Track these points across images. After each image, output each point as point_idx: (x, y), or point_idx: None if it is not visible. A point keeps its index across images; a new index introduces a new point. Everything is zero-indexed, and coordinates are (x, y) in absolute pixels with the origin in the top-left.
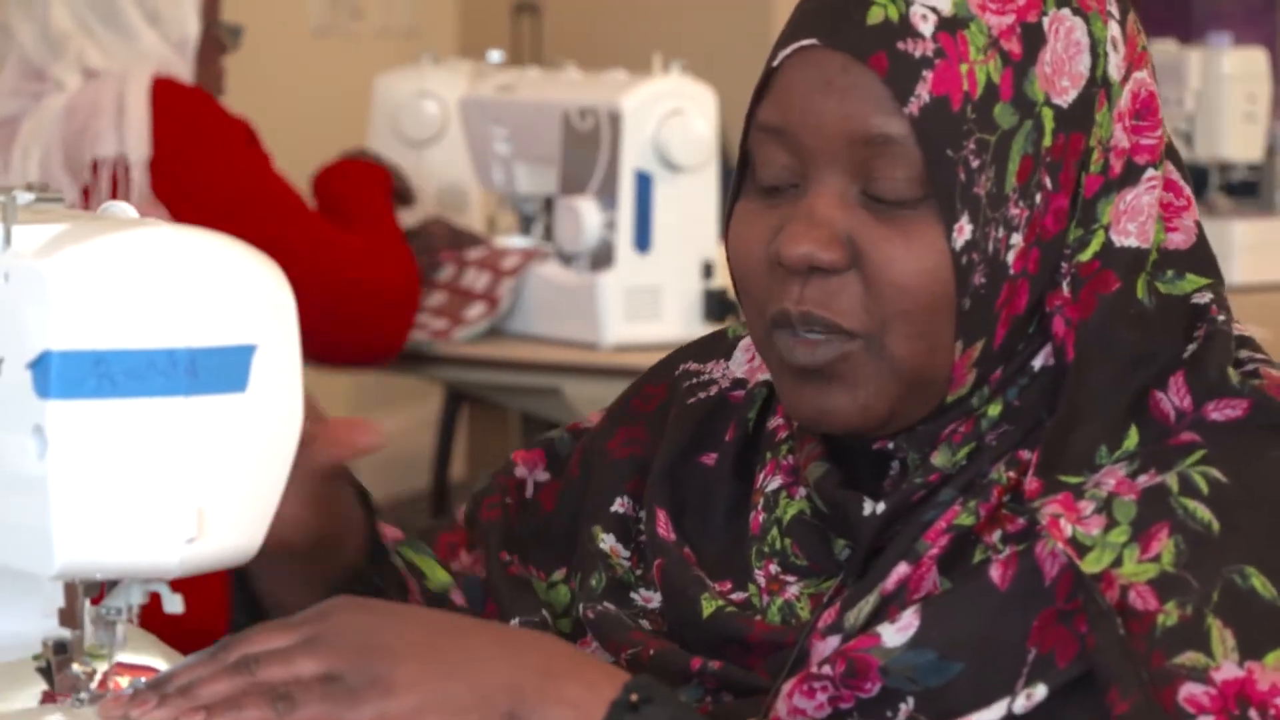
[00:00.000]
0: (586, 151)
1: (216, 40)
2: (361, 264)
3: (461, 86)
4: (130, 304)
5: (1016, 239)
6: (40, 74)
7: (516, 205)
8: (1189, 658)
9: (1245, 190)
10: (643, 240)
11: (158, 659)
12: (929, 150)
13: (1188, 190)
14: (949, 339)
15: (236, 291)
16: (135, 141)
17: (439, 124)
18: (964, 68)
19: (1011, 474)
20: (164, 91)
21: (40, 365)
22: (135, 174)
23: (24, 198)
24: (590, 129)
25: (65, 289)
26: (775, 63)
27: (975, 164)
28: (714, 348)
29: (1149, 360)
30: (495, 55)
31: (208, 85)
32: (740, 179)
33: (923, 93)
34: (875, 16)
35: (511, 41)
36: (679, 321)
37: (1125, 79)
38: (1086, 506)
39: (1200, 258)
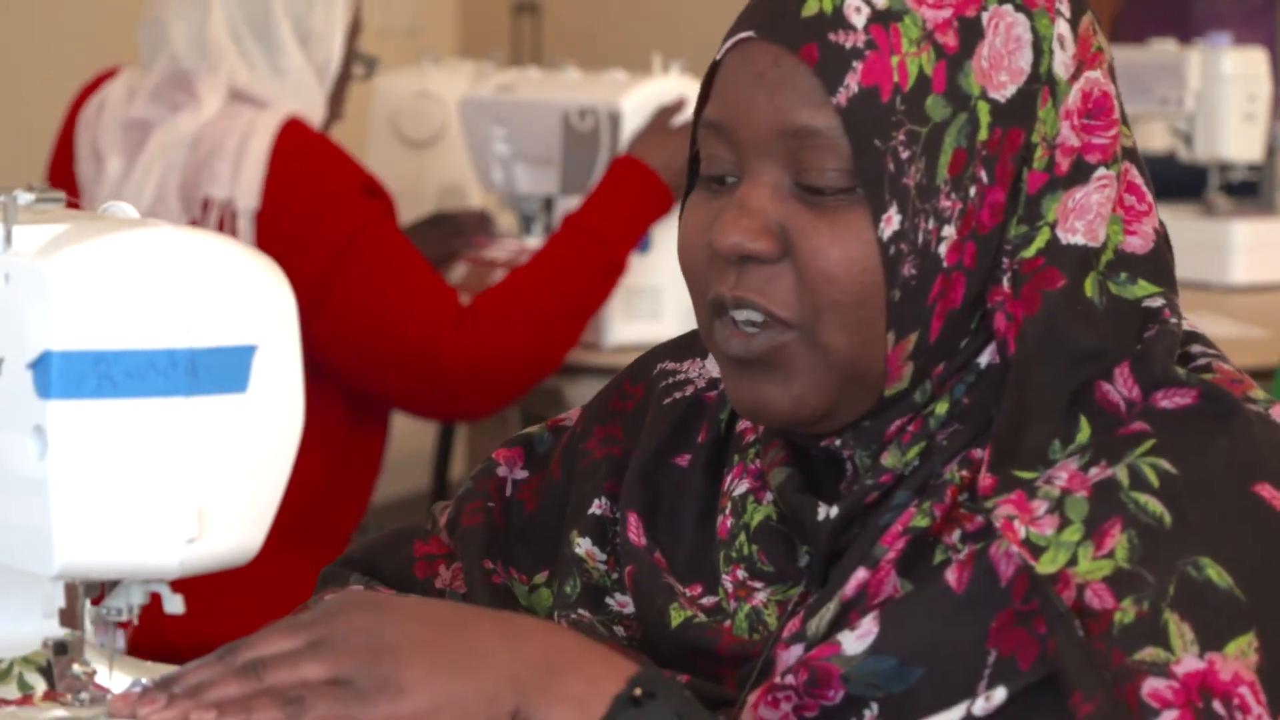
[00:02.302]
0: (586, 151)
1: (349, 67)
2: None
3: (461, 86)
4: (130, 304)
5: (949, 231)
6: (187, 81)
7: (516, 205)
8: (1149, 653)
9: (1245, 190)
10: (643, 241)
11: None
12: (857, 140)
13: (1150, 196)
14: (880, 330)
15: (237, 292)
16: (246, 190)
17: (439, 124)
18: (895, 60)
19: (964, 473)
20: (288, 139)
21: (41, 365)
22: (241, 223)
23: (24, 198)
24: (590, 129)
25: (65, 289)
26: (718, 57)
27: (905, 155)
28: (691, 346)
29: (1097, 357)
30: (495, 55)
31: (333, 109)
32: (692, 175)
33: (852, 83)
34: (810, 9)
35: (511, 41)
36: (679, 321)
37: (1074, 77)
38: (1039, 506)
39: (1157, 265)
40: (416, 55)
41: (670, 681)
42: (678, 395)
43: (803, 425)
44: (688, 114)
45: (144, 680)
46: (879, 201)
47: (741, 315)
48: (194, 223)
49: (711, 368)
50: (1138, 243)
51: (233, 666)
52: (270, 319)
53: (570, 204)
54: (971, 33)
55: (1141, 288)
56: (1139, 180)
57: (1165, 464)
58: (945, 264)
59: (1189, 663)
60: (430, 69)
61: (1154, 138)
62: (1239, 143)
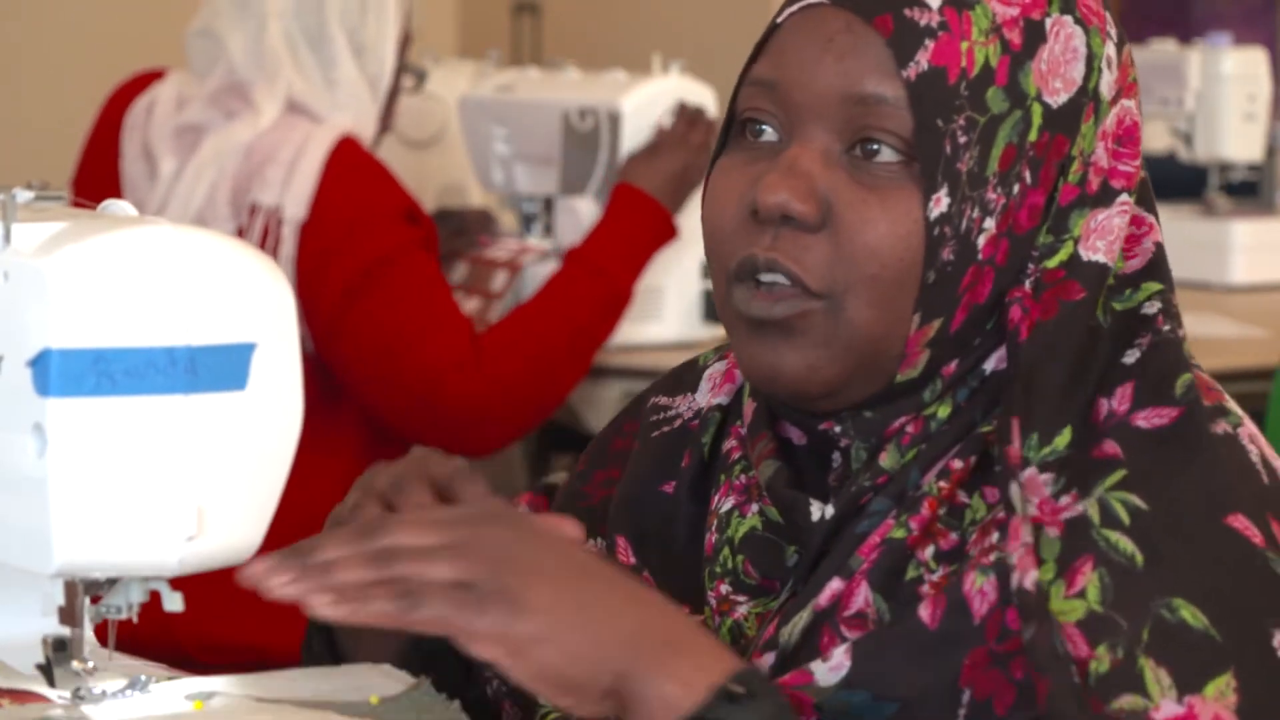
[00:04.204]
0: (586, 151)
1: (400, 80)
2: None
3: (461, 86)
4: (130, 302)
5: (990, 224)
6: (243, 90)
7: (516, 205)
8: (1127, 701)
9: (1245, 190)
10: None
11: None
12: (920, 116)
13: (1150, 218)
14: (907, 311)
15: (236, 290)
16: (294, 199)
17: (439, 124)
18: (964, 45)
19: (943, 484)
20: (341, 155)
21: (40, 363)
22: (286, 231)
23: (23, 196)
24: (590, 129)
25: (65, 287)
26: (779, 19)
27: (962, 140)
28: (683, 379)
29: (1093, 371)
30: (493, 55)
31: (384, 121)
32: (724, 139)
33: (922, 60)
34: None
35: (511, 41)
36: (679, 322)
37: (1114, 101)
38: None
39: (1156, 267)
40: (416, 55)
41: (771, 686)
42: (665, 429)
43: (809, 398)
44: (666, 123)
45: (142, 678)
46: (932, 180)
47: (768, 279)
48: (241, 228)
49: (700, 399)
50: (1136, 263)
51: (368, 551)
52: (269, 317)
53: (570, 204)
54: (1035, 35)
55: (1144, 290)
56: (1141, 211)
57: (1136, 500)
58: (980, 256)
59: (1168, 708)
60: (430, 69)
61: (1154, 138)
62: (1239, 143)
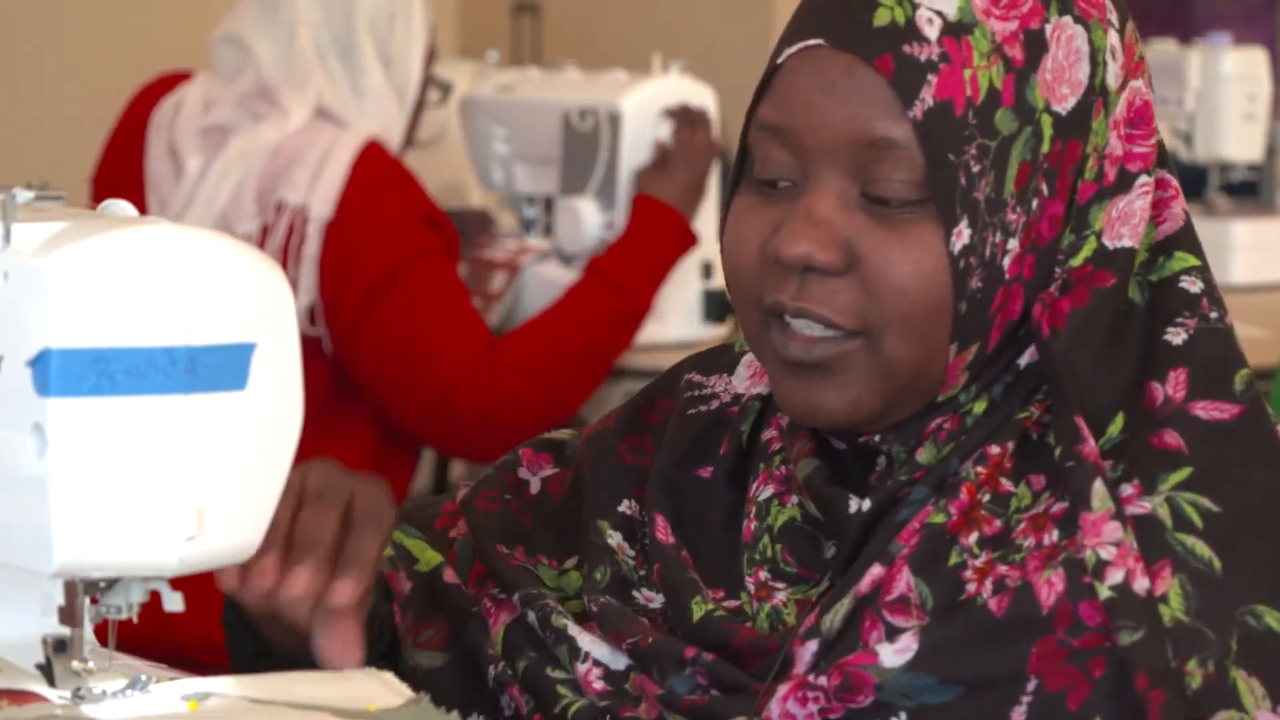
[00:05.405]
0: (586, 151)
1: (425, 92)
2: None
3: (461, 86)
4: (130, 302)
5: (1013, 244)
6: (271, 95)
7: (516, 205)
8: (1224, 717)
9: (1245, 190)
10: None
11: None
12: (931, 154)
13: (1174, 181)
14: (944, 341)
15: (235, 290)
16: (321, 199)
17: (439, 124)
18: (967, 73)
19: (980, 469)
20: (368, 158)
21: (40, 363)
22: (311, 230)
23: (23, 196)
24: (590, 129)
25: (65, 287)
26: (779, 60)
27: (976, 169)
28: (719, 360)
29: (1131, 348)
30: (494, 55)
31: (409, 133)
32: (738, 174)
33: (927, 97)
34: (882, 18)
35: (511, 41)
36: (679, 322)
37: (1122, 87)
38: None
39: (1190, 236)
40: None
41: None
42: (701, 409)
43: (851, 430)
44: (664, 133)
45: (142, 678)
46: (950, 215)
47: (800, 323)
48: (265, 226)
49: (737, 384)
50: (1168, 226)
51: None
52: (269, 317)
53: (570, 204)
54: (1036, 45)
55: (1179, 260)
56: (1163, 173)
57: (1206, 502)
58: (1007, 276)
59: (1265, 718)
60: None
61: None
62: (1239, 143)
